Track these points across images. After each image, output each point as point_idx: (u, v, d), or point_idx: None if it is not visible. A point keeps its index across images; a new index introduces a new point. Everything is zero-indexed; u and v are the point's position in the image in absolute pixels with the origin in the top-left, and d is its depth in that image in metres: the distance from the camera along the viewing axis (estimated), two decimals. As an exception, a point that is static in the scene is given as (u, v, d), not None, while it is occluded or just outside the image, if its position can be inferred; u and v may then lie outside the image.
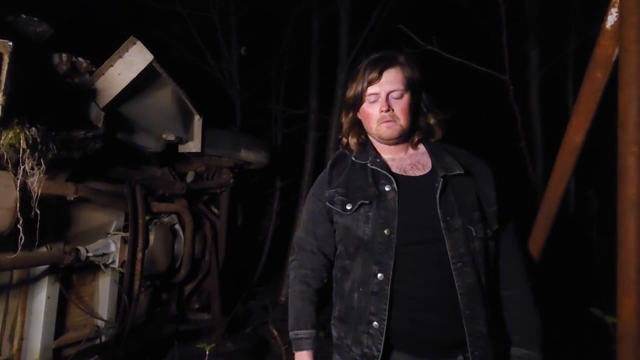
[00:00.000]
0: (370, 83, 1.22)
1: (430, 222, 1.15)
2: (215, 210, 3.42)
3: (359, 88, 1.24)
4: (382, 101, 1.21)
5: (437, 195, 1.16)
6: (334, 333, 1.30)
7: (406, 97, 1.22)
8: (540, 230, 1.55)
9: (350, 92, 1.28)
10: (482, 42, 3.57)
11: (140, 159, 2.74)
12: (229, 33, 4.46)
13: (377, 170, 1.24)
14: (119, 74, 2.15)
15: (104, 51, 2.18)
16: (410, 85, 1.23)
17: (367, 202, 1.19)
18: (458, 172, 1.20)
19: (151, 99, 2.56)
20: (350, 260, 1.24)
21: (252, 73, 4.62)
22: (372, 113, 1.24)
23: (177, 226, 2.91)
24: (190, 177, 3.19)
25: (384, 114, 1.21)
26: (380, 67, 1.21)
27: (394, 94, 1.21)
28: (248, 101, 4.59)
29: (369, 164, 1.26)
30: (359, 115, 1.30)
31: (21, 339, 2.04)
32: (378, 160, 1.26)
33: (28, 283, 2.05)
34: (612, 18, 1.26)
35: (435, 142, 1.31)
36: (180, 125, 2.87)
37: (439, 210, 1.15)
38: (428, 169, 1.25)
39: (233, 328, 3.24)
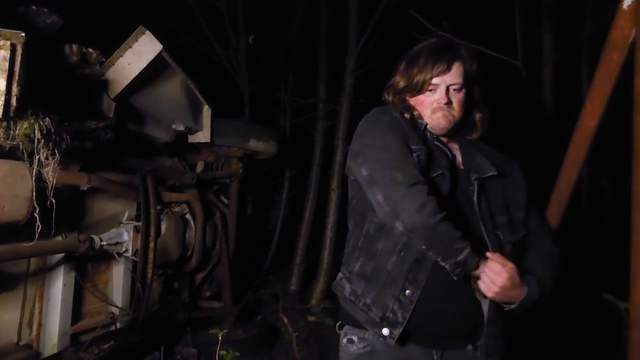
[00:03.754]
0: (435, 75, 1.19)
1: (466, 223, 1.13)
2: (225, 200, 3.45)
3: (421, 78, 1.20)
4: (441, 93, 1.20)
5: (475, 198, 1.15)
6: (347, 288, 1.23)
7: (464, 91, 1.21)
8: (553, 217, 1.54)
9: (406, 80, 1.23)
10: (494, 27, 3.51)
11: (151, 150, 2.76)
12: (237, 22, 4.43)
13: (440, 146, 1.22)
14: (129, 64, 2.16)
15: (113, 41, 2.19)
16: (469, 80, 1.22)
17: (447, 172, 1.16)
18: (490, 173, 1.19)
19: (161, 89, 2.57)
20: None
21: (261, 62, 4.60)
22: (428, 101, 1.22)
23: (188, 216, 2.94)
24: (199, 167, 3.21)
25: (441, 105, 1.19)
26: (448, 59, 1.19)
27: (454, 87, 1.20)
28: (256, 91, 4.58)
29: (429, 138, 1.23)
30: (411, 100, 1.26)
31: (39, 325, 2.09)
32: (435, 135, 1.24)
33: (45, 271, 2.10)
34: (629, -2, 1.23)
35: (469, 139, 1.30)
36: (190, 115, 2.88)
37: (478, 214, 1.14)
38: (461, 166, 1.25)
39: (244, 316, 3.29)
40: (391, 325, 1.13)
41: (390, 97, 1.29)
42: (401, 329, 1.12)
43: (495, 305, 1.12)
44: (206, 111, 3.03)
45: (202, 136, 3.02)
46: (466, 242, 1.06)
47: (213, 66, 4.51)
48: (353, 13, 4.01)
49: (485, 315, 1.12)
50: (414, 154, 1.13)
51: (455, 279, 1.07)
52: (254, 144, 3.31)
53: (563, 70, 3.47)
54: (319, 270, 3.93)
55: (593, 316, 2.42)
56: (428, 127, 1.24)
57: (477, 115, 1.28)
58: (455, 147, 1.29)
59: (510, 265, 1.05)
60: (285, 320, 3.27)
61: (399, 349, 1.16)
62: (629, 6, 1.21)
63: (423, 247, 1.08)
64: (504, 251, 1.14)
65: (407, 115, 1.25)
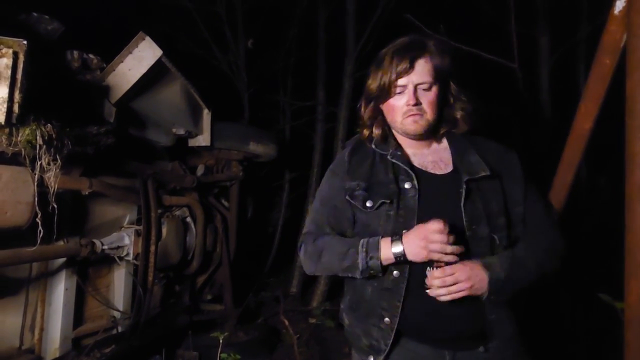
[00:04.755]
0: (399, 75, 1.13)
1: (456, 227, 1.09)
2: (226, 203, 3.47)
3: (386, 80, 1.15)
4: (409, 94, 1.14)
5: (462, 203, 1.11)
6: (345, 321, 1.30)
7: (434, 89, 1.15)
8: (549, 218, 1.55)
9: (375, 83, 1.19)
10: (491, 30, 3.53)
11: (152, 154, 2.78)
12: (236, 26, 4.46)
13: (398, 164, 1.18)
14: (129, 70, 2.18)
15: (113, 47, 2.22)
16: (439, 76, 1.15)
17: (388, 201, 1.15)
18: (483, 174, 1.14)
19: (161, 94, 2.59)
20: None
21: (260, 66, 4.63)
22: (398, 105, 1.17)
23: (189, 219, 2.95)
24: (200, 171, 3.23)
25: (410, 107, 1.14)
26: (410, 56, 1.13)
27: (423, 86, 1.14)
28: (256, 94, 4.60)
29: (389, 157, 1.20)
30: (383, 107, 1.22)
31: (41, 329, 2.10)
32: (399, 153, 1.20)
33: (47, 276, 2.12)
34: (620, 3, 1.24)
35: (460, 135, 1.24)
36: (190, 119, 2.90)
37: (464, 219, 1.10)
38: (450, 168, 1.19)
39: (245, 318, 3.30)
40: (376, 353, 1.17)
41: (363, 109, 1.27)
42: (384, 356, 1.15)
43: (497, 305, 1.12)
44: (206, 115, 3.05)
45: (202, 140, 3.05)
46: (353, 251, 1.15)
47: (212, 70, 4.54)
48: (351, 16, 4.04)
49: (492, 329, 1.12)
50: (347, 190, 1.22)
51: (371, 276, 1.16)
52: (254, 147, 3.33)
53: (560, 72, 3.50)
54: (319, 273, 3.93)
55: (590, 316, 2.43)
56: (400, 131, 1.22)
57: (458, 113, 1.22)
58: (442, 148, 1.24)
59: (456, 265, 1.07)
60: (286, 322, 3.28)
61: (411, 350, 1.17)
62: (620, 11, 1.23)
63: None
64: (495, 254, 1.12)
65: (365, 132, 1.28)
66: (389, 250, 1.10)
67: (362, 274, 1.14)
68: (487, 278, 1.07)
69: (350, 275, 1.17)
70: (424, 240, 1.05)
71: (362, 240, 1.15)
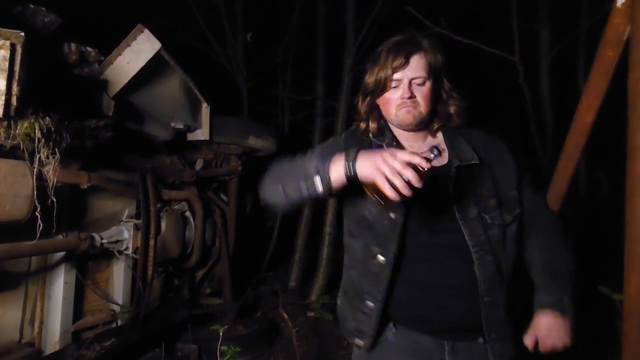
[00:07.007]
0: (395, 70, 1.18)
1: (446, 211, 1.14)
2: (225, 198, 3.46)
3: (382, 75, 1.19)
4: (404, 87, 1.18)
5: (451, 186, 1.15)
6: (338, 302, 1.34)
7: (428, 84, 1.19)
8: (549, 212, 1.55)
9: (372, 78, 1.23)
10: (492, 23, 3.52)
11: (150, 148, 2.77)
12: (235, 19, 4.43)
13: None
14: (128, 63, 2.16)
15: (111, 40, 2.19)
16: (433, 72, 1.20)
17: None
18: (473, 162, 1.18)
19: (159, 88, 2.58)
20: (351, 238, 1.27)
21: (259, 59, 4.61)
22: (393, 98, 1.21)
23: (188, 213, 2.95)
24: (199, 165, 3.22)
25: (405, 99, 1.18)
26: (405, 52, 1.17)
27: (417, 81, 1.18)
28: (255, 88, 4.58)
29: (385, 145, 1.24)
30: (379, 101, 1.26)
31: (41, 323, 2.11)
32: (394, 144, 1.24)
33: (46, 270, 2.11)
34: (623, -5, 1.24)
35: (453, 127, 1.28)
36: (189, 113, 2.89)
37: (454, 201, 1.14)
38: (445, 159, 1.22)
39: (244, 312, 3.31)
40: (362, 336, 1.20)
41: (360, 103, 1.30)
42: (371, 340, 1.18)
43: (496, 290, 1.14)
44: (205, 109, 3.04)
45: (201, 134, 3.03)
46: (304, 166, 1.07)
47: (211, 64, 4.51)
48: (351, 9, 4.01)
49: (483, 310, 1.13)
50: None
51: (322, 191, 1.02)
52: (253, 142, 3.32)
53: (560, 65, 3.49)
54: (318, 267, 3.94)
55: (589, 308, 2.45)
56: (395, 123, 1.25)
57: (452, 108, 1.26)
58: (436, 142, 1.27)
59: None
60: (285, 316, 3.29)
61: (411, 339, 1.20)
62: (623, 4, 1.22)
63: (284, 199, 1.09)
64: (489, 235, 1.14)
65: (362, 125, 1.29)
66: (341, 162, 1.02)
67: (308, 190, 1.04)
68: (567, 322, 1.17)
69: (297, 196, 1.07)
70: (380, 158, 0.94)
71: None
